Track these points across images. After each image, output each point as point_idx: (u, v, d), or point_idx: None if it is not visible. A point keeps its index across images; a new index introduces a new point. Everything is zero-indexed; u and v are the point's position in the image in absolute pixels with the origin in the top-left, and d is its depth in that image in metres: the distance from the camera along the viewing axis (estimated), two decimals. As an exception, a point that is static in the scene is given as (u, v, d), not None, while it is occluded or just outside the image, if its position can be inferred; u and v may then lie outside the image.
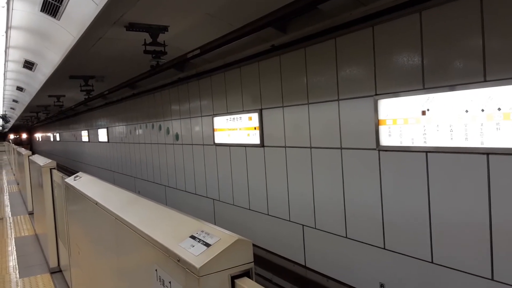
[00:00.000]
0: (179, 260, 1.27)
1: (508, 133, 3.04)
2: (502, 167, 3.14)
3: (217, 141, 7.12)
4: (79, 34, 5.45)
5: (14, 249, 5.63)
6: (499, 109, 3.09)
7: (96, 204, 2.29)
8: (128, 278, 1.88)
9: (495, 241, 3.23)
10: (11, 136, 42.83)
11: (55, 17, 5.62)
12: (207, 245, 1.25)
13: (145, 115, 10.66)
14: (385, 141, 4.01)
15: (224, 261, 1.21)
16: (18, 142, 41.35)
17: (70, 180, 3.29)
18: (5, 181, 14.06)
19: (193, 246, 1.28)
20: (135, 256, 1.75)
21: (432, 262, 3.71)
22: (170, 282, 1.36)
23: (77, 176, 3.28)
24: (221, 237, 1.27)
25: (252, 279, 1.24)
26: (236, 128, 6.51)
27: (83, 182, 3.00)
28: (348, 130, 4.48)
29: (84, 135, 18.03)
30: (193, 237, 1.33)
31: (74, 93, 11.48)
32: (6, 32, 7.27)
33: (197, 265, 1.17)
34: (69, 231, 3.56)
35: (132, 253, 1.79)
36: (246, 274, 1.25)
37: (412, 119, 3.74)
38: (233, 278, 1.22)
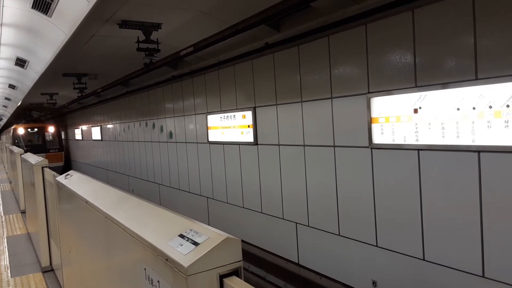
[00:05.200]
0: (167, 259, 1.26)
1: (499, 131, 3.06)
2: (493, 165, 3.16)
3: (211, 139, 7.10)
4: (71, 31, 5.41)
5: (6, 248, 5.57)
6: (490, 107, 3.11)
7: (86, 202, 2.28)
8: (118, 277, 1.87)
9: (486, 239, 3.26)
10: (20, 131, 19.64)
11: (46, 14, 5.57)
12: (196, 243, 1.24)
13: (139, 113, 10.61)
14: (377, 139, 4.03)
15: (213, 260, 1.20)
16: (39, 145, 19.38)
17: (61, 178, 3.27)
18: (-3, 179, 13.93)
19: (182, 245, 1.27)
20: (125, 255, 1.74)
21: (423, 259, 3.73)
22: (158, 281, 1.35)
23: (68, 174, 3.26)
24: (210, 236, 1.26)
25: (241, 278, 1.23)
26: (230, 126, 6.50)
27: (74, 181, 2.98)
28: (341, 128, 4.48)
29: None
30: (181, 235, 1.32)
31: (68, 91, 11.39)
32: (-3, 29, 7.20)
33: (185, 264, 1.17)
34: (60, 230, 3.53)
35: (122, 252, 1.78)
36: (235, 272, 1.24)
37: (404, 117, 3.75)
38: (222, 277, 1.21)
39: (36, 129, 20.19)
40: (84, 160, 17.53)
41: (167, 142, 9.03)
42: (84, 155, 17.57)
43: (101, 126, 14.34)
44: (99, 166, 15.15)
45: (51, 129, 20.35)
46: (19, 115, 22.49)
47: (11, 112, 22.22)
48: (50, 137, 20.34)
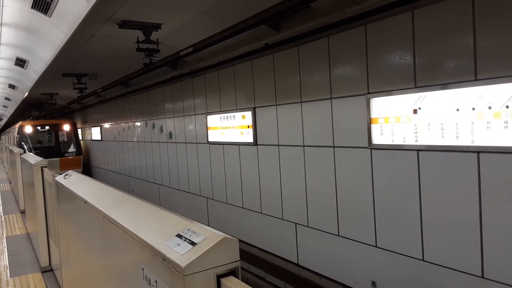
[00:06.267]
0: (164, 259, 1.26)
1: (498, 132, 3.06)
2: (492, 166, 3.15)
3: (210, 139, 7.10)
4: (70, 31, 5.41)
5: (6, 248, 5.57)
6: (489, 107, 3.11)
7: (85, 202, 2.27)
8: (116, 277, 1.87)
9: (485, 239, 3.25)
10: (27, 129, 15.91)
11: (46, 14, 5.57)
12: (193, 243, 1.24)
13: (138, 113, 10.60)
14: (377, 139, 4.02)
15: (210, 260, 1.19)
16: (51, 147, 15.89)
17: (60, 178, 3.26)
18: (-3, 179, 13.93)
19: (179, 245, 1.27)
20: (123, 255, 1.74)
21: (423, 260, 3.73)
22: (156, 282, 1.35)
23: (67, 174, 3.26)
24: (207, 236, 1.26)
25: (238, 278, 1.23)
26: (230, 127, 6.49)
27: (73, 181, 2.98)
28: (341, 128, 4.48)
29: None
30: (179, 235, 1.32)
31: (68, 91, 11.39)
32: (-3, 29, 7.20)
33: (182, 264, 1.16)
34: (59, 230, 3.53)
35: (120, 252, 1.77)
36: (232, 272, 1.23)
37: (404, 118, 3.75)
38: (219, 277, 1.21)
39: (47, 127, 16.10)
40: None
41: (167, 142, 9.03)
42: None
43: (100, 126, 14.31)
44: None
45: (66, 127, 16.23)
46: (20, 115, 21.72)
47: (11, 112, 22.21)
48: (65, 137, 16.20)
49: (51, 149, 15.68)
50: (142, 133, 10.46)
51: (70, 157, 15.67)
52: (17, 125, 16.44)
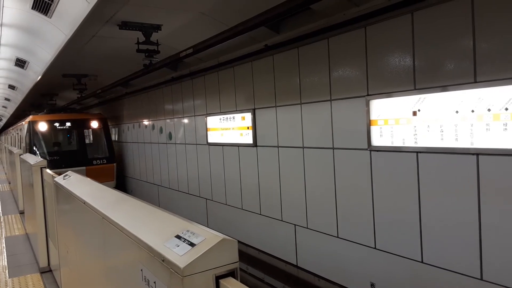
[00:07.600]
0: (163, 260, 1.26)
1: (497, 134, 3.06)
2: (491, 168, 3.15)
3: (210, 140, 7.10)
4: (71, 32, 5.42)
5: (4, 248, 5.56)
6: (489, 110, 3.11)
7: (84, 203, 2.27)
8: (115, 278, 1.87)
9: (484, 241, 3.25)
10: (41, 127, 10.76)
11: (46, 14, 5.58)
12: (192, 244, 1.24)
13: (138, 114, 10.60)
14: (376, 141, 4.02)
15: (209, 261, 1.20)
16: (73, 152, 11.29)
17: (59, 179, 3.26)
18: (-4, 180, 13.91)
19: (178, 246, 1.27)
20: (121, 255, 1.74)
21: (422, 262, 3.72)
22: (155, 282, 1.35)
23: (67, 175, 3.26)
24: (206, 237, 1.26)
25: (237, 279, 1.23)
26: (229, 128, 6.50)
27: (72, 181, 2.98)
28: (340, 130, 4.48)
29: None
30: (178, 236, 1.32)
31: (68, 92, 11.39)
32: (-3, 29, 7.21)
33: (181, 265, 1.17)
34: (58, 230, 3.53)
35: (119, 253, 1.77)
36: (231, 274, 1.24)
37: (403, 120, 3.75)
38: (218, 278, 1.21)
39: (68, 124, 11.48)
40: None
41: (166, 143, 9.03)
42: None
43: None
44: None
45: (94, 123, 11.67)
46: (19, 116, 20.95)
47: (11, 112, 22.20)
48: (93, 138, 12.02)
49: (74, 154, 11.35)
50: (141, 134, 10.45)
51: (100, 166, 11.31)
52: (26, 121, 11.91)
